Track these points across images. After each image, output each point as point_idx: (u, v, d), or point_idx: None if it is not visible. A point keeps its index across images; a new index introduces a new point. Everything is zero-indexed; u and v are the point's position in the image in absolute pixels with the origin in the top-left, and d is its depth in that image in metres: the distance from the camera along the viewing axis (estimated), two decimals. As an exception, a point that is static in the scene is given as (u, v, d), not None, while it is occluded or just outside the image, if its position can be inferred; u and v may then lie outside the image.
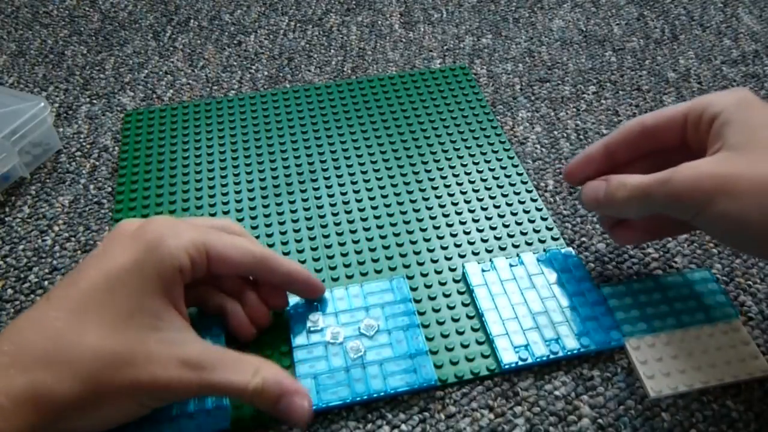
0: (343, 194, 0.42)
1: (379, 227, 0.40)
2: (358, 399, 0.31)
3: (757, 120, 0.29)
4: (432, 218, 0.41)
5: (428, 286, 0.37)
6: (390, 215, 0.41)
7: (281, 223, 0.40)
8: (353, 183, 0.43)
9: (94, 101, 0.51)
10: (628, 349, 0.33)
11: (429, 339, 0.34)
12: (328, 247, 0.39)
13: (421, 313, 0.35)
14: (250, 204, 0.42)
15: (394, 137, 0.47)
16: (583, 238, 0.40)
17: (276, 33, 0.58)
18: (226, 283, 0.33)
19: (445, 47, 0.56)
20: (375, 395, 0.31)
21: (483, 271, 0.37)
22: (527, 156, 0.45)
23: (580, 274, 0.36)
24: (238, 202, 0.42)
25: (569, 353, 0.33)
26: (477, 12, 0.60)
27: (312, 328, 0.34)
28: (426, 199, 0.42)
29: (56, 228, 0.41)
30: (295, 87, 0.52)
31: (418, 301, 0.36)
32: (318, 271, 0.38)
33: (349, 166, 0.44)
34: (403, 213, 0.41)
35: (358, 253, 0.39)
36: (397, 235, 0.40)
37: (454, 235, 0.40)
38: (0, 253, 0.40)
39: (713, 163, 0.29)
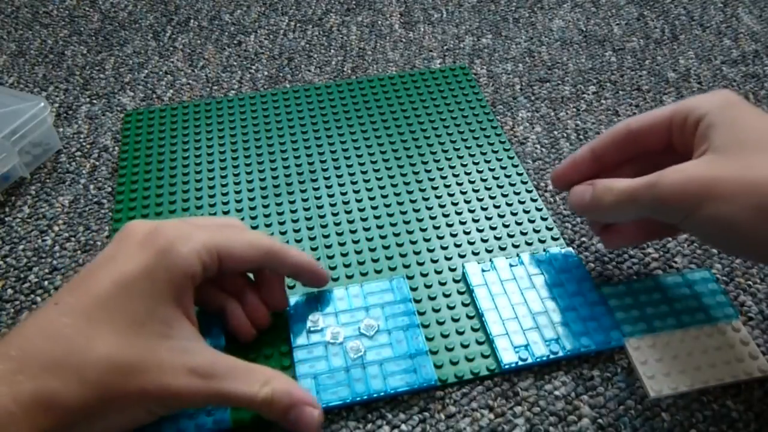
0: (343, 194, 0.42)
1: (379, 227, 0.40)
2: (358, 399, 0.31)
3: (743, 121, 0.29)
4: (432, 218, 0.41)
5: (428, 286, 0.37)
6: (390, 215, 0.41)
7: (281, 223, 0.40)
8: (353, 183, 0.43)
9: (94, 101, 0.51)
10: (628, 349, 0.33)
11: (429, 339, 0.34)
12: (328, 247, 0.39)
13: (421, 313, 0.35)
14: (250, 204, 0.42)
15: (394, 137, 0.47)
16: (583, 238, 0.40)
17: (276, 33, 0.58)
18: (228, 282, 0.33)
19: (445, 47, 0.56)
20: (375, 395, 0.31)
21: (483, 271, 0.37)
22: (527, 156, 0.45)
23: (580, 274, 0.36)
24: (238, 202, 0.42)
25: (569, 353, 0.33)
26: (477, 12, 0.60)
27: (312, 328, 0.34)
28: (426, 199, 0.42)
29: (56, 228, 0.41)
30: (295, 87, 0.52)
31: (418, 301, 0.36)
32: (318, 271, 0.38)
33: (349, 166, 0.44)
34: (403, 213, 0.41)
35: (358, 253, 0.39)
36: (397, 235, 0.40)
37: (454, 235, 0.40)
38: (0, 253, 0.40)
39: (700, 165, 0.28)
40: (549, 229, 0.40)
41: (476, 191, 0.42)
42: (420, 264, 0.38)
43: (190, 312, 0.29)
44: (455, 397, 0.32)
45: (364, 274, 0.37)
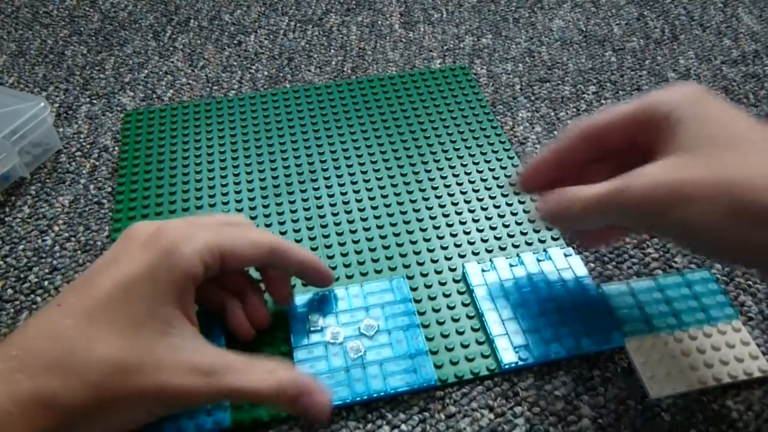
0: (343, 194, 0.42)
1: (379, 227, 0.40)
2: (358, 399, 0.31)
3: (711, 117, 0.28)
4: (432, 218, 0.41)
5: (428, 286, 0.37)
6: (390, 215, 0.41)
7: (281, 223, 0.40)
8: (353, 183, 0.43)
9: (94, 101, 0.51)
10: (628, 349, 0.33)
11: (429, 339, 0.34)
12: (328, 247, 0.39)
13: (421, 313, 0.35)
14: (250, 204, 0.42)
15: (394, 137, 0.47)
16: (583, 238, 0.40)
17: (276, 33, 0.58)
18: (229, 281, 0.33)
19: (445, 47, 0.56)
20: (375, 395, 0.31)
21: (483, 271, 0.37)
22: (527, 156, 0.45)
23: (580, 274, 0.36)
24: (238, 202, 0.42)
25: (569, 353, 0.33)
26: (477, 12, 0.60)
27: (312, 328, 0.34)
28: (426, 199, 0.42)
29: (56, 228, 0.41)
30: (295, 87, 0.52)
31: (418, 301, 0.36)
32: (318, 271, 0.38)
33: (349, 166, 0.44)
34: (403, 213, 0.41)
35: (358, 253, 0.39)
36: (397, 235, 0.40)
37: (454, 235, 0.40)
38: (0, 253, 0.40)
39: (668, 167, 0.27)
40: (549, 229, 0.40)
41: (476, 191, 0.42)
42: (420, 264, 0.38)
43: (190, 312, 0.29)
44: (455, 397, 0.32)
45: (364, 274, 0.37)
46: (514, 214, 0.41)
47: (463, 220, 0.40)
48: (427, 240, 0.39)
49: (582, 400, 0.32)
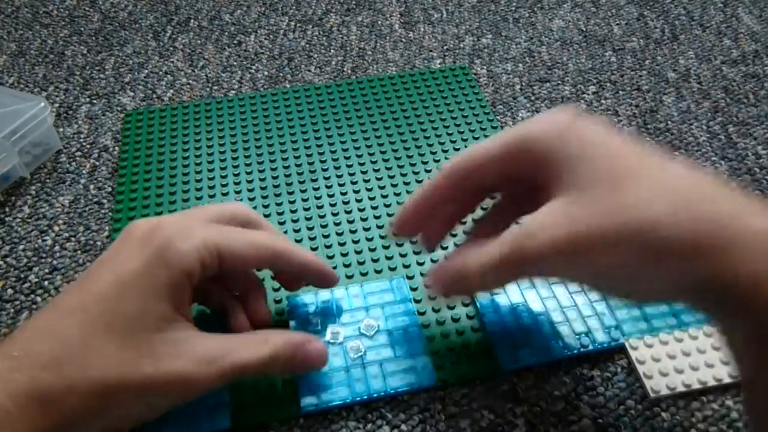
0: (343, 194, 0.42)
1: (379, 227, 0.40)
2: (358, 399, 0.31)
3: (590, 149, 0.26)
4: (432, 218, 0.41)
5: (428, 286, 0.37)
6: (390, 215, 0.41)
7: (281, 223, 0.40)
8: (353, 183, 0.43)
9: (94, 101, 0.51)
10: (628, 349, 0.33)
11: (429, 339, 0.34)
12: (328, 247, 0.39)
13: (421, 313, 0.35)
14: (251, 204, 0.42)
15: (394, 137, 0.47)
16: (583, 238, 0.39)
17: (276, 33, 0.58)
18: (231, 280, 0.33)
19: (445, 47, 0.56)
20: (375, 395, 0.31)
21: (483, 271, 0.37)
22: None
23: (580, 274, 0.36)
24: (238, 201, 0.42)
25: (569, 353, 0.33)
26: (477, 12, 0.60)
27: (312, 329, 0.34)
28: (426, 199, 0.42)
29: (56, 228, 0.41)
30: (295, 87, 0.52)
31: (418, 301, 0.36)
32: (318, 271, 0.38)
33: (349, 166, 0.44)
34: (403, 213, 0.41)
35: (358, 253, 0.39)
36: (397, 235, 0.40)
37: (454, 235, 0.39)
38: (0, 253, 0.40)
39: (562, 217, 0.25)
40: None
41: (476, 191, 0.42)
42: (420, 264, 0.38)
43: (185, 310, 0.29)
44: (455, 397, 0.32)
45: (364, 274, 0.37)
46: (514, 214, 0.41)
47: (464, 220, 0.40)
48: (427, 240, 0.39)
49: (582, 400, 0.32)
